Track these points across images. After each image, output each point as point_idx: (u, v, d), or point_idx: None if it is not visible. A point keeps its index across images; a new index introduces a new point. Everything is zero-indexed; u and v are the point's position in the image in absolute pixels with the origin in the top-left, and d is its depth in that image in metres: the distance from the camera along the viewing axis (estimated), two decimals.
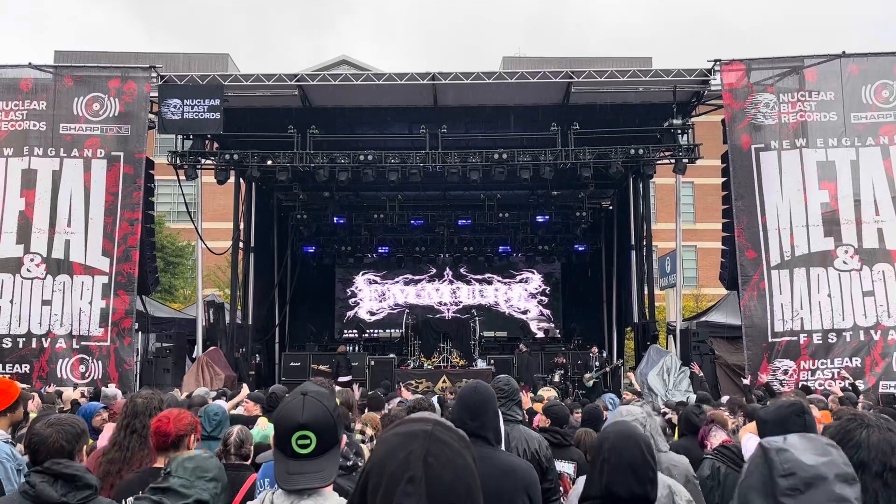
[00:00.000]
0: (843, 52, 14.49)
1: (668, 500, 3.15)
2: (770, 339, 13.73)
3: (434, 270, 23.49)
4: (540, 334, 23.06)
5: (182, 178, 15.50)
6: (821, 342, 13.69)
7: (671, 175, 16.30)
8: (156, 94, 14.64)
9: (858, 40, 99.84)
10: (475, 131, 16.76)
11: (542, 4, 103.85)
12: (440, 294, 23.60)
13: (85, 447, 3.39)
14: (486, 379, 7.25)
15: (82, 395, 10.06)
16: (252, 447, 4.47)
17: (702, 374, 14.23)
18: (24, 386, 8.41)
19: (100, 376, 13.46)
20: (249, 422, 5.98)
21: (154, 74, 14.86)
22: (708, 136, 15.95)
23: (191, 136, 15.31)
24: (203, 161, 15.72)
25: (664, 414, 9.21)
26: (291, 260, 22.05)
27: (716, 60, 14.68)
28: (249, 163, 15.51)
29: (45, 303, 13.83)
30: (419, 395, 9.08)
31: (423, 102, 15.99)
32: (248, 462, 4.38)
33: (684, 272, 25.02)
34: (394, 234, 22.15)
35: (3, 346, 13.61)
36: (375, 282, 23.61)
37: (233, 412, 7.29)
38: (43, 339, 13.67)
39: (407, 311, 22.41)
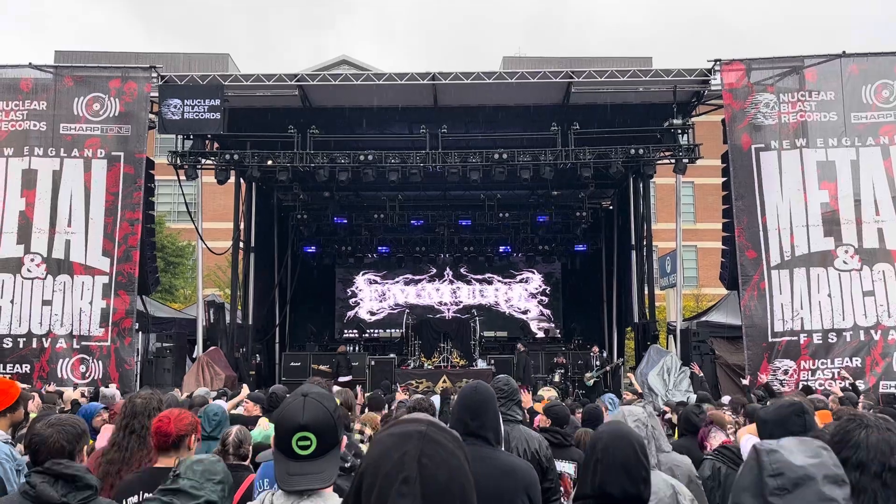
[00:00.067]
0: (844, 52, 14.49)
1: (672, 500, 3.14)
2: (770, 339, 13.73)
3: (434, 270, 23.51)
4: (540, 334, 23.08)
5: (182, 178, 15.51)
6: (821, 342, 13.68)
7: (671, 175, 16.31)
8: (156, 94, 14.65)
9: (858, 40, 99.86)
10: (475, 131, 16.76)
11: (542, 4, 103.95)
12: (440, 294, 23.61)
13: (85, 447, 3.39)
14: (486, 379, 7.24)
15: (83, 396, 10.06)
16: (250, 447, 4.47)
17: (702, 374, 14.23)
18: (25, 386, 8.43)
19: (100, 376, 13.46)
20: (249, 422, 5.99)
21: (154, 74, 14.86)
22: (708, 136, 15.96)
23: (191, 136, 15.32)
24: (203, 161, 15.73)
25: (664, 414, 9.22)
26: (292, 260, 22.06)
27: (716, 60, 14.69)
28: (249, 163, 15.52)
29: (46, 303, 13.84)
30: (418, 396, 9.07)
31: (423, 102, 15.99)
32: (247, 462, 4.38)
33: (684, 272, 25.03)
34: (394, 234, 22.16)
35: (4, 346, 13.61)
36: (376, 282, 23.62)
37: (233, 412, 7.30)
38: (43, 339, 13.68)
39: (407, 311, 22.43)
